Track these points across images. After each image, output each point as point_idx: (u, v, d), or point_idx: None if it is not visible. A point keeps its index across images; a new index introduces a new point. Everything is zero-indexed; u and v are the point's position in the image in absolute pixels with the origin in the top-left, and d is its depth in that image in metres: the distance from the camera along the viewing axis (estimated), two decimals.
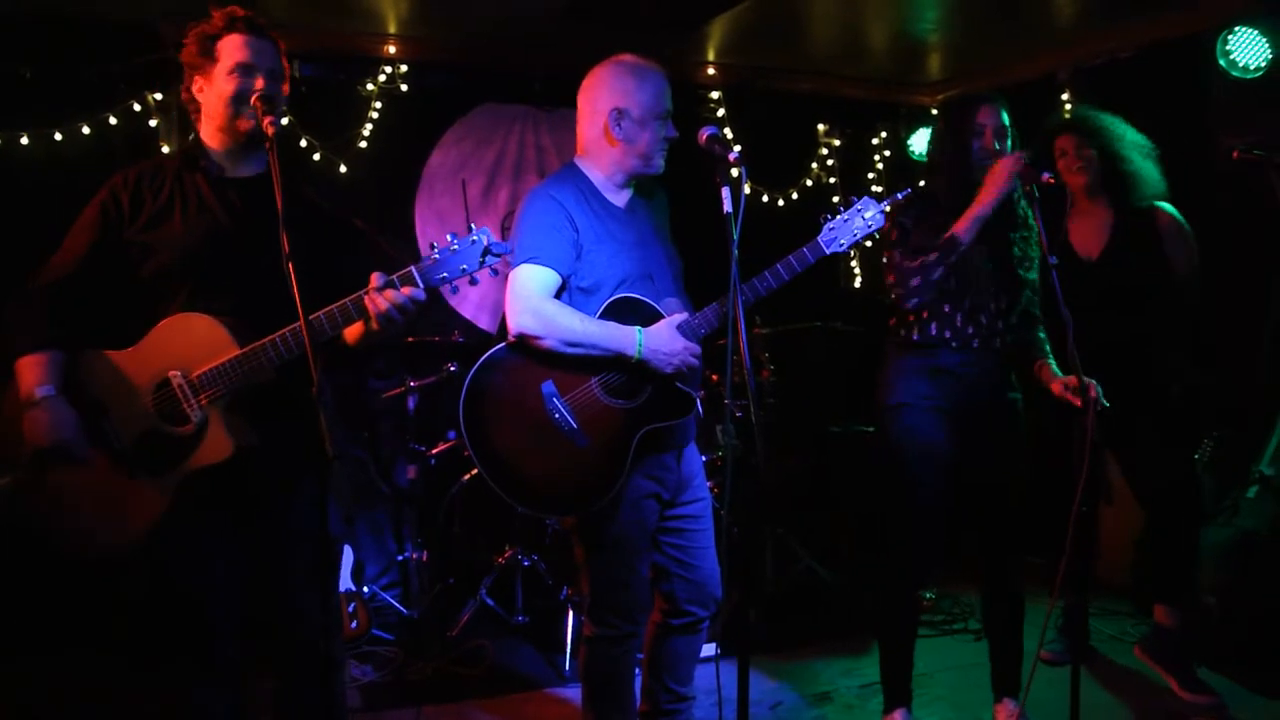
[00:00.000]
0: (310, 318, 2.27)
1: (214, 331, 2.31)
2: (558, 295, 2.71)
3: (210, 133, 2.46)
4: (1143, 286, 3.61)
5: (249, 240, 2.37)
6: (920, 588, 3.34)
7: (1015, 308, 3.16)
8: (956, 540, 3.26)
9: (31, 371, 2.31)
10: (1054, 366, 3.17)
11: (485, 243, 2.26)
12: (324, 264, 2.43)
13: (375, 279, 2.27)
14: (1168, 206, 3.67)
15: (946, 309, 3.13)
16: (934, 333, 3.15)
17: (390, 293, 2.25)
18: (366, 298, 2.27)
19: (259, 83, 2.37)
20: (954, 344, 3.12)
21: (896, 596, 3.32)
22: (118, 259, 2.38)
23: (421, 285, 2.27)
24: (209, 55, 2.38)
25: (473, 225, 2.29)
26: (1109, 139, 3.60)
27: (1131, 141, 3.61)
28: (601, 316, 2.70)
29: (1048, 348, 3.23)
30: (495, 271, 2.31)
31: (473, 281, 2.29)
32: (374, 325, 2.31)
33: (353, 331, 2.41)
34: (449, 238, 2.26)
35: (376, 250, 2.61)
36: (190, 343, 2.32)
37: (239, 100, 2.35)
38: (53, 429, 2.27)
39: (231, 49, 2.37)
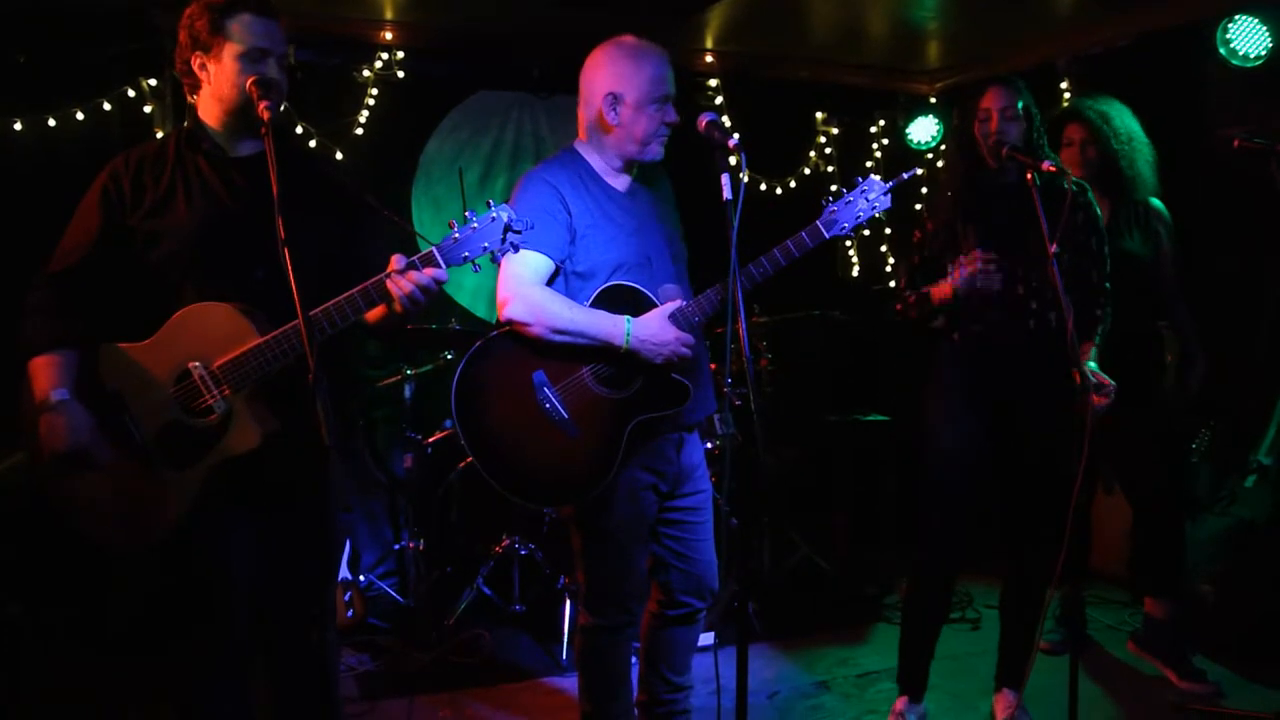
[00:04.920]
0: (332, 303, 2.25)
1: (233, 320, 2.28)
2: (552, 280, 2.69)
3: (212, 112, 2.38)
4: (1145, 266, 3.62)
5: (256, 221, 2.28)
6: (950, 576, 3.32)
7: (1047, 288, 3.06)
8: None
9: (45, 374, 2.28)
10: (1093, 352, 3.10)
11: (506, 219, 2.23)
12: (340, 241, 2.41)
13: (396, 261, 2.24)
14: (1158, 203, 3.69)
15: (971, 301, 3.10)
16: (962, 323, 3.13)
17: (413, 274, 2.23)
18: (389, 281, 2.24)
19: (272, 70, 2.31)
20: (985, 333, 3.11)
21: (920, 583, 3.32)
22: (124, 245, 2.35)
23: (444, 265, 2.25)
24: (219, 32, 2.29)
25: (491, 203, 2.25)
26: (1118, 141, 3.59)
27: (1139, 146, 3.61)
28: (594, 304, 2.68)
29: (1100, 328, 3.14)
30: (497, 258, 2.28)
31: (494, 260, 2.27)
32: (397, 308, 2.28)
33: (374, 313, 2.37)
34: (469, 215, 2.24)
35: (390, 226, 2.57)
36: (209, 332, 2.28)
37: (263, 86, 2.24)
38: (69, 434, 2.25)
39: (244, 30, 2.30)
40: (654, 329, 2.65)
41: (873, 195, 2.74)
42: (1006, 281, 3.05)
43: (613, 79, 2.69)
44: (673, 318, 2.67)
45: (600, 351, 2.66)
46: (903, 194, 2.89)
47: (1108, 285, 3.18)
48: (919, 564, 3.32)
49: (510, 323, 2.64)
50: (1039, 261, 3.03)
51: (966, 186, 3.10)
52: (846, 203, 2.75)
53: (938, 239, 3.16)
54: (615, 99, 2.69)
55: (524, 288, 2.62)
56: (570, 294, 2.69)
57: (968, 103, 3.12)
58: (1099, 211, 3.21)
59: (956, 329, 3.16)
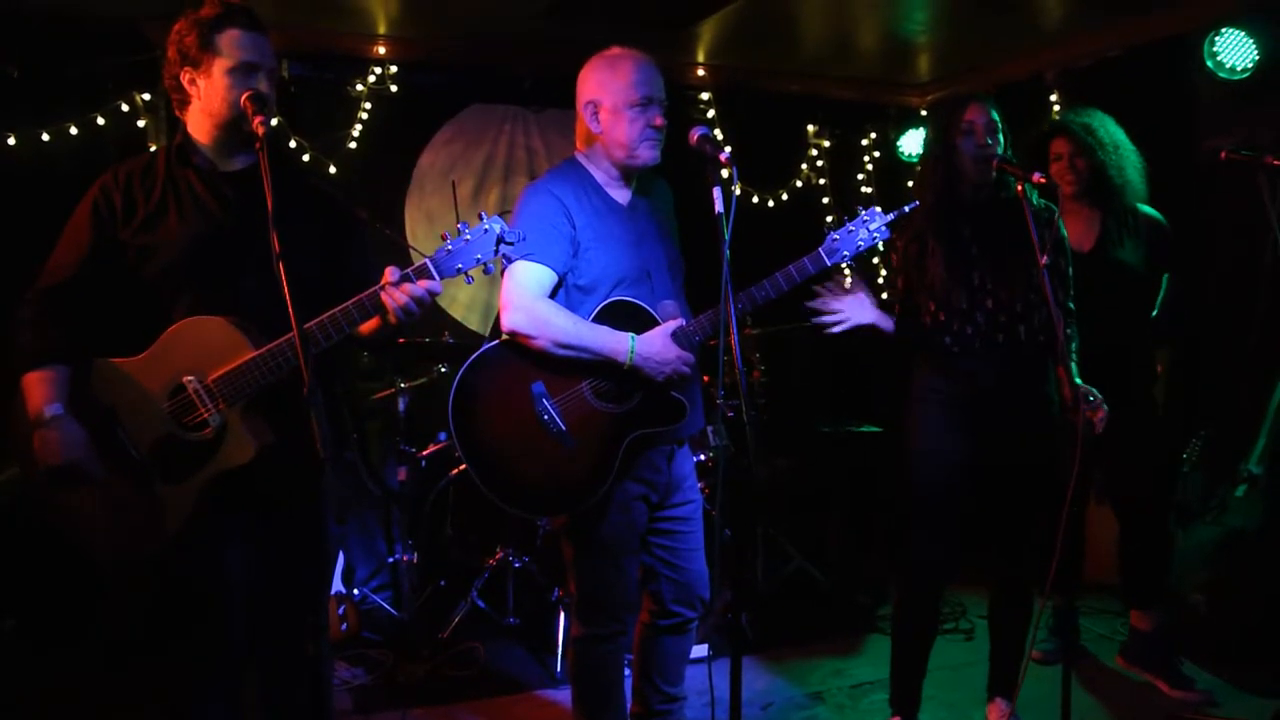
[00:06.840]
0: (327, 315, 2.26)
1: (227, 334, 2.28)
2: (554, 293, 2.70)
3: (202, 127, 2.39)
4: (1138, 275, 3.65)
5: (248, 235, 2.32)
6: (938, 590, 3.30)
7: (1018, 302, 3.07)
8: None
9: (38, 389, 2.29)
10: (1074, 369, 3.06)
11: (498, 231, 2.25)
12: (331, 253, 2.42)
13: (390, 273, 2.25)
14: (1148, 209, 3.71)
15: (942, 316, 3.11)
16: (936, 339, 3.14)
17: (407, 286, 2.24)
18: (383, 293, 2.25)
19: (263, 84, 2.32)
20: (955, 348, 3.11)
21: (907, 598, 3.30)
22: (116, 260, 2.35)
23: (437, 277, 2.26)
24: (209, 48, 2.30)
25: (483, 214, 2.27)
26: (1104, 151, 3.61)
27: (1126, 154, 3.64)
28: (596, 319, 2.69)
29: (1073, 346, 3.12)
30: (489, 269, 2.30)
31: (486, 271, 2.29)
32: (391, 319, 2.29)
33: (367, 325, 2.38)
34: (461, 227, 2.25)
35: (381, 238, 2.59)
36: (203, 346, 2.28)
37: (258, 101, 2.25)
38: (63, 449, 2.25)
39: (234, 45, 2.30)
40: (657, 347, 2.67)
41: (874, 225, 2.83)
42: (976, 296, 3.08)
43: (591, 88, 2.74)
44: (674, 336, 2.69)
45: (601, 366, 2.68)
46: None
47: (1070, 305, 3.19)
48: (905, 579, 3.29)
49: (514, 334, 2.65)
50: (1009, 277, 3.07)
51: (940, 201, 3.12)
52: (848, 232, 2.83)
53: (909, 253, 3.18)
54: (594, 106, 2.73)
55: (528, 300, 2.63)
56: (571, 306, 2.70)
57: (949, 117, 3.13)
58: (1065, 233, 3.23)
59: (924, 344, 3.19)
